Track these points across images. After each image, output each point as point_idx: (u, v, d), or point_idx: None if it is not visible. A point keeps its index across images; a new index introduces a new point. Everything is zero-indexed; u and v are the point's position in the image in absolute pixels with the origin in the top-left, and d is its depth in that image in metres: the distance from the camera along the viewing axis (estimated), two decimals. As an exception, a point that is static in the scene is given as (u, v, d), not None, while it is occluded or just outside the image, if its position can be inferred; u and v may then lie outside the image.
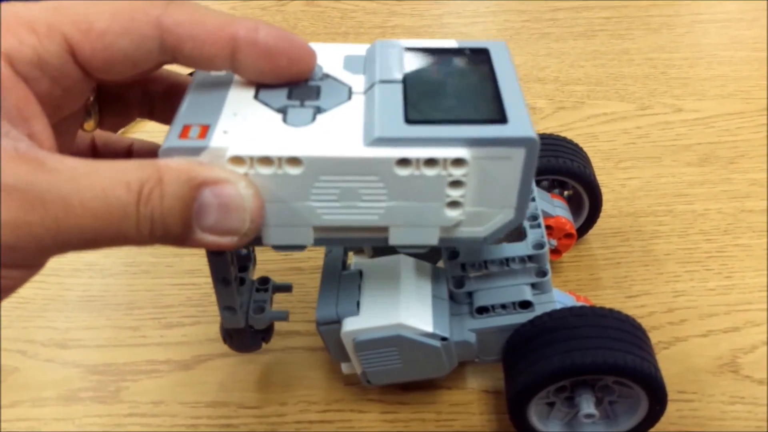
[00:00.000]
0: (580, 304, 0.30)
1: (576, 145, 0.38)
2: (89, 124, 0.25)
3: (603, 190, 0.37)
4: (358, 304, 0.29)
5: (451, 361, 0.30)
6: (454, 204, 0.23)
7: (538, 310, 0.29)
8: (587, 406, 0.28)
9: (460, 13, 0.64)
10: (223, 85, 0.24)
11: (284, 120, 0.22)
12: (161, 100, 0.27)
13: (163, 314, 0.38)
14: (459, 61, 0.25)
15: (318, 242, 0.24)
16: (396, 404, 0.32)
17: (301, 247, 0.24)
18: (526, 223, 0.31)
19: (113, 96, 0.26)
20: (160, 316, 0.38)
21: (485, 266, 0.30)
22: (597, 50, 0.57)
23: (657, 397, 0.28)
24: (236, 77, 0.24)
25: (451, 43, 0.25)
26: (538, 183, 0.37)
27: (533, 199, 0.32)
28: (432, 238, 0.24)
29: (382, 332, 0.28)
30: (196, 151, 0.21)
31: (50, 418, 0.33)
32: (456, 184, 0.22)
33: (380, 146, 0.21)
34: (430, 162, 0.22)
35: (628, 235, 0.40)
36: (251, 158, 0.21)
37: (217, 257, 0.27)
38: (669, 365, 0.33)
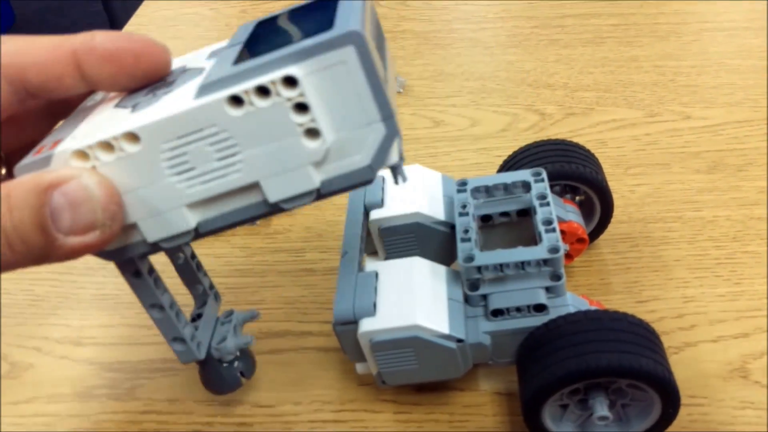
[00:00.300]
0: (593, 307, 0.31)
1: (588, 150, 0.38)
2: None
3: (613, 196, 0.37)
4: (374, 304, 0.29)
5: (466, 363, 0.30)
6: (310, 132, 0.21)
7: (553, 314, 0.30)
8: (601, 408, 0.28)
9: (468, 19, 0.65)
10: (94, 105, 0.24)
11: (132, 111, 0.22)
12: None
13: (177, 313, 0.38)
14: (304, 13, 0.23)
15: (203, 226, 0.23)
16: (409, 405, 0.33)
17: (185, 235, 0.22)
18: (542, 227, 0.31)
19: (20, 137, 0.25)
20: (174, 315, 0.38)
21: (501, 269, 0.30)
22: (606, 57, 0.58)
23: (670, 401, 0.28)
24: (108, 95, 0.24)
25: (302, 4, 0.24)
26: (550, 188, 0.37)
27: (548, 204, 0.32)
28: (310, 182, 0.22)
29: (398, 333, 0.29)
30: (45, 162, 0.21)
31: (66, 415, 0.33)
32: (299, 108, 0.20)
33: (207, 93, 0.20)
34: (261, 91, 0.20)
35: (637, 241, 0.41)
36: (90, 147, 0.21)
37: (136, 280, 0.26)
38: (679, 370, 0.33)
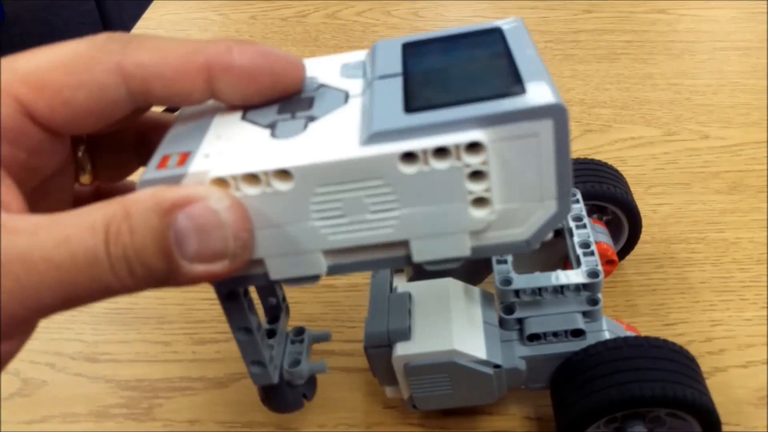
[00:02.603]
0: (630, 333, 0.30)
1: (617, 170, 0.38)
2: (85, 178, 0.24)
3: (641, 216, 0.37)
4: (409, 327, 0.29)
5: (501, 389, 0.29)
6: (479, 201, 0.19)
7: (590, 339, 0.29)
8: (640, 438, 0.28)
9: (481, 31, 0.64)
10: (209, 113, 0.22)
11: (272, 134, 0.20)
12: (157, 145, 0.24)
13: (195, 329, 0.37)
14: (466, 44, 0.21)
15: (332, 270, 0.21)
16: (437, 429, 0.32)
17: (314, 279, 0.21)
18: (579, 250, 0.30)
19: (105, 146, 0.24)
20: (191, 332, 0.37)
21: (539, 293, 0.29)
22: (621, 74, 0.57)
23: (712, 430, 0.27)
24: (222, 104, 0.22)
25: (456, 30, 0.22)
26: (578, 208, 0.37)
27: (585, 226, 0.32)
28: (462, 248, 0.20)
29: (435, 358, 0.28)
30: (175, 180, 0.19)
31: (82, 435, 0.32)
32: (476, 175, 0.19)
33: (378, 143, 0.18)
34: (440, 152, 0.18)
35: (662, 262, 0.40)
36: (234, 178, 0.19)
37: (230, 303, 0.24)
38: (712, 396, 0.32)
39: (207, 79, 0.20)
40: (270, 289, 0.29)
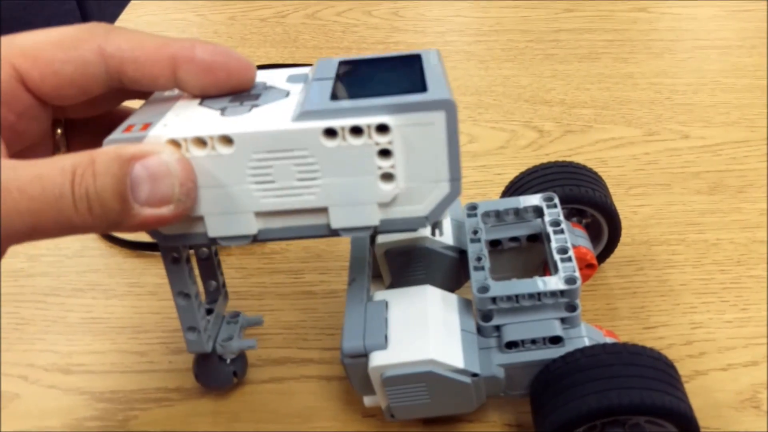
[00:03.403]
0: (610, 339, 0.30)
1: (595, 173, 0.38)
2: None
3: (621, 219, 0.37)
4: (386, 337, 0.28)
5: (479, 397, 0.29)
6: (387, 177, 0.23)
7: (568, 346, 0.29)
8: (619, 445, 0.28)
9: (463, 32, 0.64)
10: (173, 99, 0.26)
11: (222, 114, 0.24)
12: None
13: (171, 338, 0.36)
14: (391, 63, 0.26)
15: (263, 234, 0.24)
16: (417, 438, 0.32)
17: (245, 238, 0.24)
18: (557, 256, 0.30)
19: (81, 130, 0.28)
20: (168, 341, 0.36)
21: (516, 300, 0.29)
22: (601, 73, 0.57)
23: (691, 438, 0.27)
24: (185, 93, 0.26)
25: (387, 54, 0.27)
26: (558, 211, 0.36)
27: (562, 231, 0.31)
28: (372, 218, 0.24)
29: (411, 368, 0.28)
30: (137, 140, 0.23)
31: (55, 450, 0.32)
32: (384, 153, 0.23)
33: (306, 119, 0.22)
34: (356, 130, 0.22)
35: (642, 264, 0.40)
36: (185, 140, 0.23)
37: (173, 267, 0.28)
38: (692, 400, 0.32)
39: (172, 68, 0.24)
40: (211, 273, 0.32)
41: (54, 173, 0.20)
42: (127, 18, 0.69)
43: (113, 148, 0.21)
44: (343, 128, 0.22)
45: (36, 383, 0.35)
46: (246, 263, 0.41)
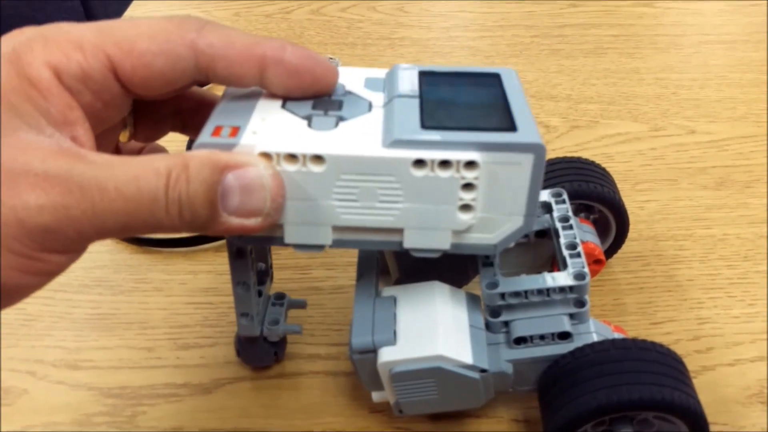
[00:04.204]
0: (618, 335, 0.30)
1: (603, 169, 0.38)
2: (124, 135, 0.27)
3: (628, 214, 0.37)
4: (394, 333, 0.28)
5: (487, 393, 0.29)
6: (466, 207, 0.24)
7: (577, 341, 0.29)
8: (628, 440, 0.28)
9: (467, 27, 0.64)
10: (253, 96, 0.26)
11: (309, 125, 0.24)
12: (191, 115, 0.29)
13: (179, 334, 0.36)
14: (471, 82, 0.27)
15: (336, 244, 0.25)
16: (425, 433, 0.32)
17: (319, 247, 0.25)
18: (566, 252, 0.30)
19: (148, 111, 0.28)
20: (175, 337, 0.36)
21: (525, 296, 0.29)
22: (607, 68, 0.57)
23: (699, 433, 0.27)
24: (264, 91, 0.26)
25: (463, 68, 0.27)
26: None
27: (571, 227, 0.31)
28: (444, 242, 0.25)
29: (420, 364, 0.28)
30: (227, 148, 0.23)
31: (64, 445, 0.32)
32: (468, 186, 0.24)
33: (398, 148, 0.23)
34: (444, 164, 0.23)
35: (649, 260, 0.40)
36: (278, 155, 0.23)
37: (238, 260, 0.29)
38: (700, 395, 0.32)
39: (261, 68, 0.24)
40: (262, 256, 0.33)
41: (149, 175, 0.20)
42: (131, 14, 0.69)
43: (206, 153, 0.21)
44: (433, 161, 0.23)
45: (44, 379, 0.35)
46: (252, 259, 0.41)
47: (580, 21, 0.64)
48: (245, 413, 0.33)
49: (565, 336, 0.29)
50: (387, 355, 0.28)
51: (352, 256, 0.40)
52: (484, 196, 0.24)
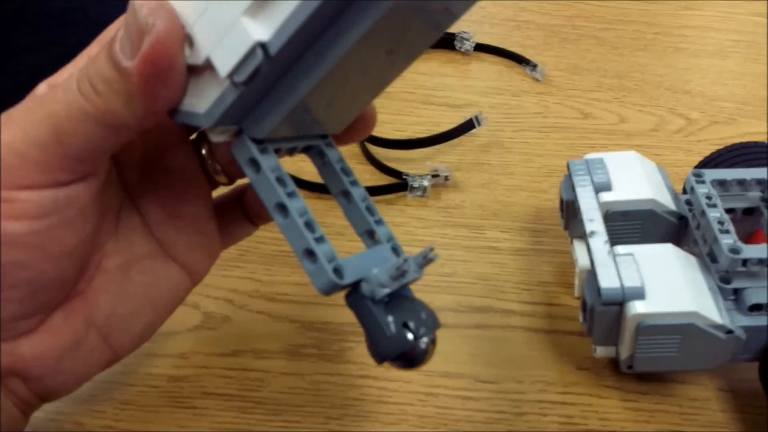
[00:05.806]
0: None
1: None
2: (221, 178, 0.27)
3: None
4: (643, 287, 0.29)
5: (724, 355, 0.30)
6: None
7: (809, 314, 0.30)
8: None
9: (589, 18, 0.64)
10: None
11: None
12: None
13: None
14: None
15: (272, 46, 0.18)
16: (635, 393, 0.32)
17: (253, 56, 0.18)
18: (803, 227, 0.31)
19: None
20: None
21: (766, 264, 0.30)
22: (734, 71, 0.58)
23: None
24: None
25: None
26: None
27: (802, 204, 0.32)
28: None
29: (674, 319, 0.28)
30: None
31: (278, 372, 0.32)
32: None
33: None
34: None
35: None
36: None
37: (254, 175, 0.21)
38: None
39: None
40: (364, 222, 0.25)
41: (67, 78, 0.21)
42: None
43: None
44: None
45: (243, 308, 0.35)
46: (424, 215, 0.41)
47: (699, 23, 0.64)
48: (452, 359, 0.33)
49: (801, 307, 0.30)
50: (639, 307, 0.28)
51: (523, 221, 0.41)
52: None
